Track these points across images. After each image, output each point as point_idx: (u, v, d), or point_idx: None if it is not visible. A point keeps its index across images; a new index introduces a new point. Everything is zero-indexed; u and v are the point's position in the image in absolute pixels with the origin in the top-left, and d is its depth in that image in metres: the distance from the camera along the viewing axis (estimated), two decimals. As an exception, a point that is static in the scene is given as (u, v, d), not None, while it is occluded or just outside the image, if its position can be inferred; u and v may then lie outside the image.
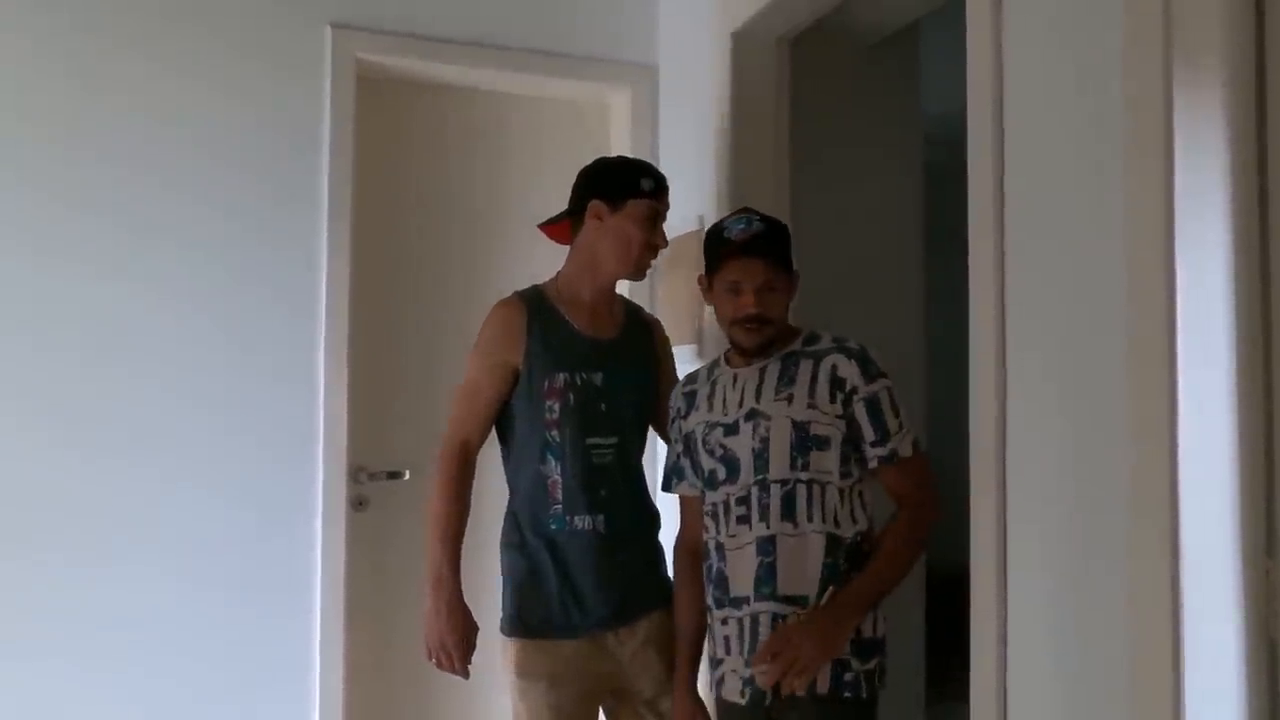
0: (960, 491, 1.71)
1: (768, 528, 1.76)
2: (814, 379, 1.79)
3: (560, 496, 1.96)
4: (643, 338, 2.15)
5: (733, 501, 1.80)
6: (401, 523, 2.73)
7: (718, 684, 1.83)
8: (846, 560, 1.75)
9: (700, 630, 1.91)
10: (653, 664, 2.00)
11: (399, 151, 2.83)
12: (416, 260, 2.83)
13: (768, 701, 1.73)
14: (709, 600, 1.85)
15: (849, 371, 1.78)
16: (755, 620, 1.76)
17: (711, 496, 1.85)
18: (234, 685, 2.49)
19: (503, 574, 2.02)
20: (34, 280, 2.39)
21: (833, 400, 1.77)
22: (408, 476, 2.74)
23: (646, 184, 2.02)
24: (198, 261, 2.51)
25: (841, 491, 1.77)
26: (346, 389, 2.59)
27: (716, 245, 1.83)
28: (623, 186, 2.01)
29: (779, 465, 1.77)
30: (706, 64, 2.63)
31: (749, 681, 1.75)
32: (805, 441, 1.76)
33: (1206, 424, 1.30)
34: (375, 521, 2.72)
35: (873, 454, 1.77)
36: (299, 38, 2.61)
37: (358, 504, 2.69)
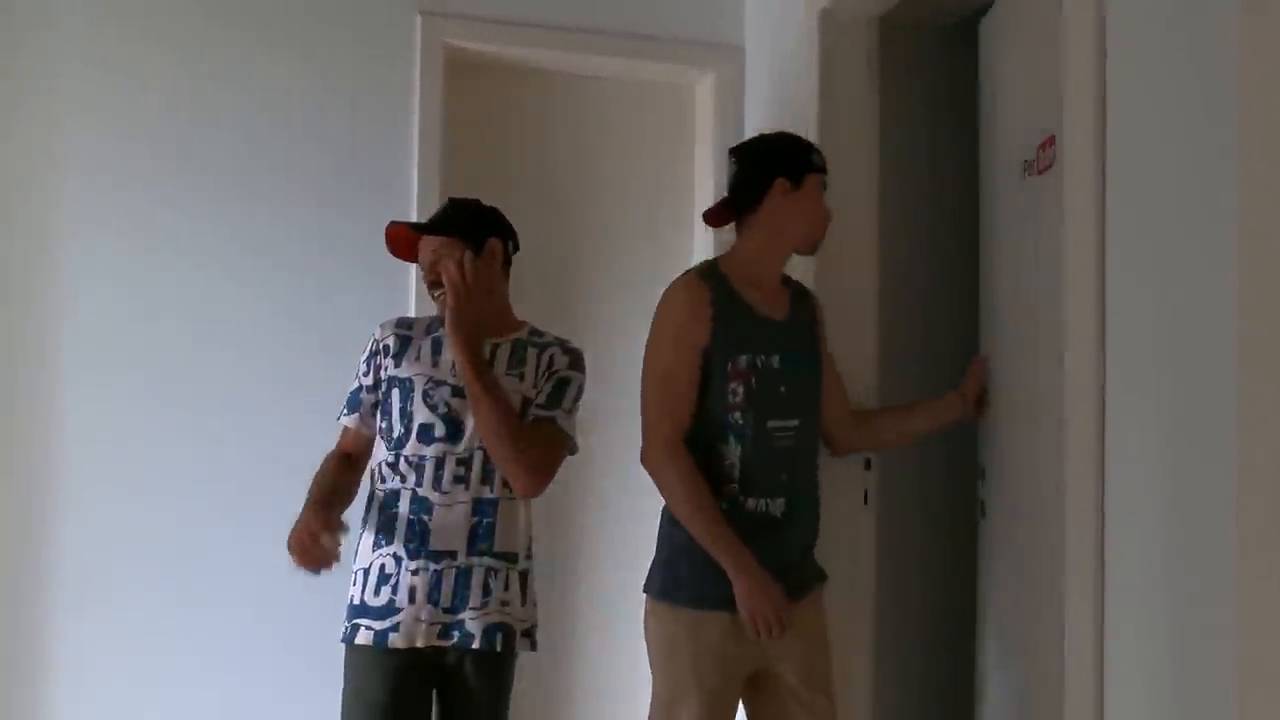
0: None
1: (491, 490, 1.92)
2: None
3: (736, 478, 1.96)
4: (807, 314, 2.14)
5: (451, 461, 1.91)
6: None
7: (389, 631, 1.87)
8: None
9: (345, 495, 1.98)
10: (800, 650, 1.99)
11: (486, 135, 2.86)
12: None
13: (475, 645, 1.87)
14: (397, 549, 1.91)
15: None
16: (466, 572, 1.90)
17: (417, 448, 1.92)
18: (312, 634, 2.50)
19: (659, 540, 2.03)
20: (142, 264, 2.53)
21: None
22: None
23: (818, 159, 2.07)
24: (291, 240, 2.60)
25: None
26: (434, 370, 2.64)
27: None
28: (801, 162, 2.04)
29: None
30: (793, 45, 2.59)
31: (455, 626, 1.88)
32: None
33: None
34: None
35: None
36: (390, 24, 2.67)
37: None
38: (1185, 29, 1.42)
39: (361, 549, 1.97)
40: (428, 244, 2.01)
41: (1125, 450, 1.52)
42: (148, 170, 2.53)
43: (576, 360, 2.05)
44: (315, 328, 2.60)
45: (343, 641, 1.93)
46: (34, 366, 2.49)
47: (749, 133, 2.88)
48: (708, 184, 2.90)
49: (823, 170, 2.07)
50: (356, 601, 1.93)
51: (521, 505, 1.97)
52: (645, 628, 2.01)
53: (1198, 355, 1.38)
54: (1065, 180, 1.65)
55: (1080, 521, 1.59)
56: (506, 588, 1.93)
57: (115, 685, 2.49)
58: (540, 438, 1.93)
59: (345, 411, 2.06)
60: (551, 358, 2.02)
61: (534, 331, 2.08)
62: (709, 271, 2.03)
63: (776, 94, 2.73)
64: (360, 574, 1.95)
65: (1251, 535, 1.27)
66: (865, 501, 2.39)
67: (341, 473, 2.02)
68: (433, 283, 1.98)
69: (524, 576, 1.98)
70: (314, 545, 1.81)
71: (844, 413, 2.22)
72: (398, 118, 2.66)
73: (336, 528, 1.84)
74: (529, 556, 2.00)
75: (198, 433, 2.55)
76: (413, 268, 2.63)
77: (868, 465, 2.39)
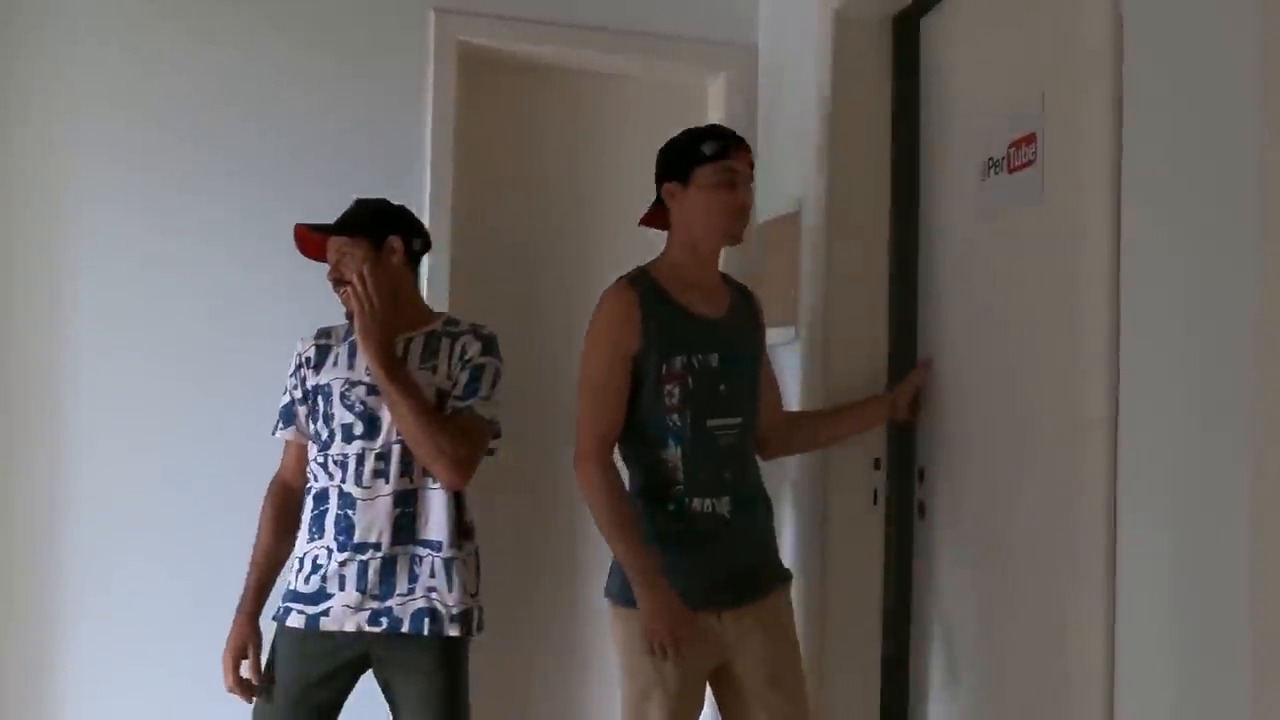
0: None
1: (411, 482, 1.99)
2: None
3: (681, 480, 1.96)
4: (747, 311, 2.15)
5: (370, 456, 1.99)
6: (494, 499, 2.77)
7: (320, 615, 1.97)
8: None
9: (279, 565, 2.10)
10: (761, 650, 1.99)
11: (499, 131, 2.87)
12: (515, 240, 2.87)
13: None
14: (329, 543, 1.99)
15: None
16: (391, 561, 1.98)
17: (341, 448, 2.00)
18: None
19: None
20: (152, 246, 2.56)
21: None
22: (498, 454, 2.78)
23: (708, 148, 2.01)
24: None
25: None
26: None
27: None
28: (686, 159, 2.02)
29: None
30: (806, 44, 2.59)
31: (383, 613, 1.96)
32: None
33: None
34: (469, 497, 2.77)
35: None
36: (404, 20, 2.69)
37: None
38: (1203, 26, 1.41)
39: (299, 540, 2.08)
40: (333, 244, 2.09)
41: (1139, 452, 1.51)
42: (160, 155, 2.55)
43: (489, 345, 2.08)
44: (325, 315, 2.60)
45: (273, 620, 2.04)
46: (42, 350, 2.50)
47: (761, 132, 2.89)
48: (719, 183, 2.90)
49: (718, 157, 2.00)
50: (291, 587, 2.04)
51: (445, 494, 2.01)
52: (610, 631, 2.03)
53: (1214, 353, 1.37)
54: (1075, 179, 1.64)
55: (1092, 525, 1.57)
56: (432, 575, 1.99)
57: (120, 673, 2.49)
58: (458, 429, 1.97)
59: (280, 425, 2.14)
60: (464, 346, 2.06)
61: (449, 321, 2.13)
62: (638, 277, 2.03)
63: (789, 94, 2.73)
64: (296, 561, 2.06)
65: (1267, 539, 1.26)
66: (875, 501, 2.39)
67: (279, 530, 2.11)
68: (336, 280, 2.07)
69: (449, 564, 2.00)
70: (240, 691, 2.03)
71: (778, 416, 2.23)
72: (411, 112, 2.67)
73: (257, 650, 2.04)
74: (457, 544, 2.02)
75: (206, 417, 2.56)
76: (423, 268, 2.65)
77: (877, 465, 2.39)
